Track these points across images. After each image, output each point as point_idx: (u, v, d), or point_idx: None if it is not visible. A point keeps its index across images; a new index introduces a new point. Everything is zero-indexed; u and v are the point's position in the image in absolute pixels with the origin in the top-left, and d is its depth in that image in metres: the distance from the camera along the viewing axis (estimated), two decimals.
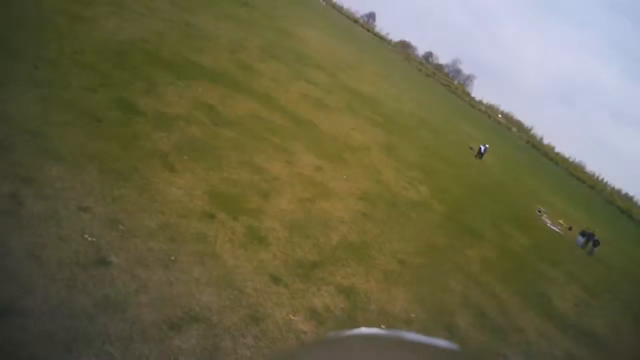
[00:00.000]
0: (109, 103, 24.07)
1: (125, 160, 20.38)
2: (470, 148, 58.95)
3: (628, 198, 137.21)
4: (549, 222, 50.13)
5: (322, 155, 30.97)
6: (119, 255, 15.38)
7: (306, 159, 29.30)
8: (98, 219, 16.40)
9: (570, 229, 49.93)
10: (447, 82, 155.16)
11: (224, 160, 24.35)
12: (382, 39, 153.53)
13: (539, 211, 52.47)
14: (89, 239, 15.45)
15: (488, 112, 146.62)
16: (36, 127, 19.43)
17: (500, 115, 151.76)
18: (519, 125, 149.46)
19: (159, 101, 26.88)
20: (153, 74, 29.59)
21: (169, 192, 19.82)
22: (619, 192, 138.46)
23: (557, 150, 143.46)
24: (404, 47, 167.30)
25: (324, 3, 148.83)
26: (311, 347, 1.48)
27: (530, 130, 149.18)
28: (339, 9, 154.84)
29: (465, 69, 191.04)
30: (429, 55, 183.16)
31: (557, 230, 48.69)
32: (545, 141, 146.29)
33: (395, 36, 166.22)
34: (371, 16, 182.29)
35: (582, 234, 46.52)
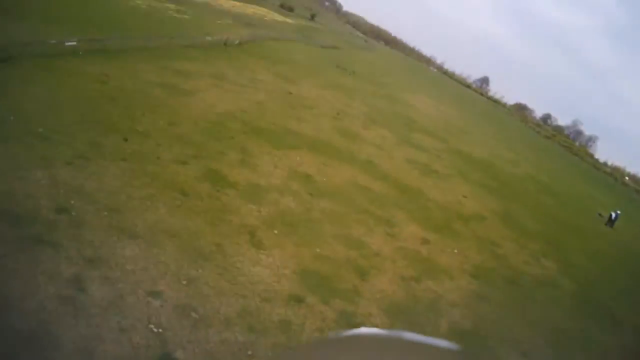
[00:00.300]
0: (198, 175, 22.90)
1: (208, 236, 18.73)
2: (599, 215, 53.39)
3: None
4: None
5: (429, 226, 28.03)
6: (186, 349, 13.33)
7: (411, 230, 26.50)
8: (169, 305, 14.55)
9: None
10: (568, 144, 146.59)
11: (318, 235, 22.15)
12: (496, 102, 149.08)
13: None
14: (155, 329, 13.56)
15: (614, 175, 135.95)
16: (115, 203, 18.33)
17: (627, 177, 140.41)
18: None
19: (253, 172, 25.45)
20: (249, 144, 28.47)
21: (254, 271, 17.80)
22: None
23: None
24: (520, 109, 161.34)
25: (435, 70, 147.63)
26: (311, 347, 1.48)
27: None
28: (451, 75, 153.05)
29: (587, 130, 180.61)
30: (547, 117, 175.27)
31: None
32: None
33: (510, 99, 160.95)
34: (484, 81, 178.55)
35: None
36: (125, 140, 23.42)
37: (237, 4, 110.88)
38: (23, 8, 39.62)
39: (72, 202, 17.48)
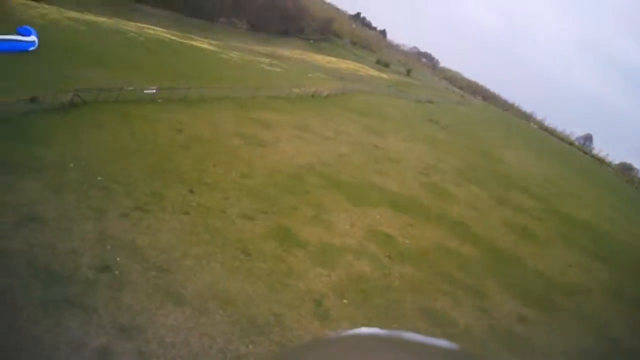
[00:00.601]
0: (265, 233, 20.76)
1: (266, 304, 16.36)
2: None
3: None
4: None
5: (527, 299, 24.28)
6: None
7: (506, 305, 22.93)
8: None
9: None
10: None
11: (395, 306, 19.24)
12: (600, 161, 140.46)
13: None
14: None
15: None
16: (166, 261, 16.42)
17: None
18: None
19: (327, 230, 23.04)
20: (326, 200, 26.19)
21: None
22: None
23: None
24: (625, 169, 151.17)
25: (535, 126, 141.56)
26: (312, 347, 1.34)
27: None
28: (552, 132, 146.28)
29: None
30: None
31: None
32: None
33: (615, 158, 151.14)
34: (588, 138, 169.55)
35: None
36: (191, 192, 21.81)
37: (333, 59, 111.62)
38: (110, 56, 40.27)
39: (118, 259, 15.73)
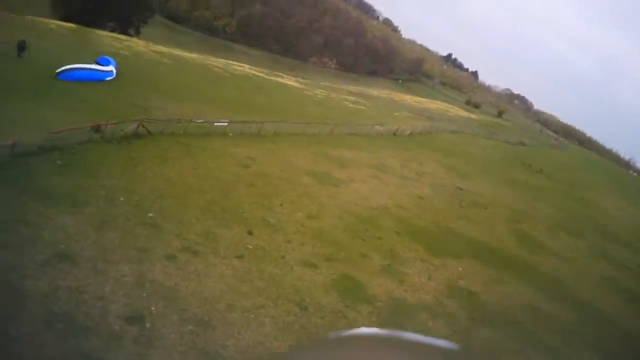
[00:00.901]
0: (327, 283, 18.36)
1: None
2: None
3: None
4: None
5: None
6: None
7: None
8: None
9: None
10: None
11: None
12: None
13: None
14: None
15: None
16: (208, 314, 14.34)
17: None
18: None
19: (399, 283, 20.33)
20: (400, 247, 23.52)
21: None
22: None
23: None
24: None
25: (635, 174, 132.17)
26: (311, 347, 1.40)
27: None
28: None
29: None
30: None
31: None
32: None
33: None
34: None
35: None
36: (250, 233, 19.83)
37: (422, 100, 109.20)
38: (188, 89, 39.81)
39: (153, 308, 13.81)
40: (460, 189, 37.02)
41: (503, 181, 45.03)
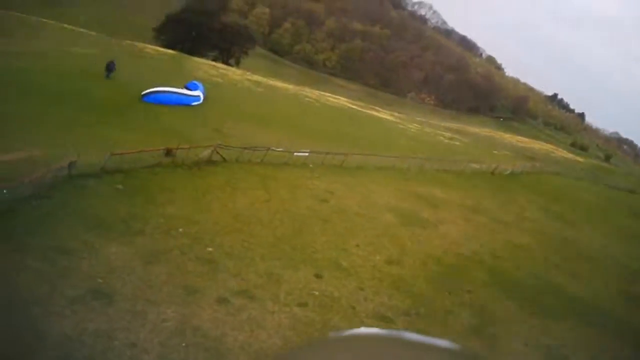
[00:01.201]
0: None
1: None
2: None
3: None
4: None
5: None
6: None
7: None
8: None
9: None
10: None
11: None
12: None
13: None
14: None
15: None
16: None
17: None
18: None
19: (489, 349, 17.26)
20: (493, 304, 20.38)
21: None
22: None
23: None
24: None
25: None
26: (311, 347, 1.34)
27: None
28: None
29: None
30: None
31: None
32: None
33: None
34: None
35: None
36: (318, 276, 17.58)
37: (524, 139, 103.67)
38: (275, 118, 38.60)
39: None
40: (565, 239, 33.02)
41: (613, 232, 40.19)
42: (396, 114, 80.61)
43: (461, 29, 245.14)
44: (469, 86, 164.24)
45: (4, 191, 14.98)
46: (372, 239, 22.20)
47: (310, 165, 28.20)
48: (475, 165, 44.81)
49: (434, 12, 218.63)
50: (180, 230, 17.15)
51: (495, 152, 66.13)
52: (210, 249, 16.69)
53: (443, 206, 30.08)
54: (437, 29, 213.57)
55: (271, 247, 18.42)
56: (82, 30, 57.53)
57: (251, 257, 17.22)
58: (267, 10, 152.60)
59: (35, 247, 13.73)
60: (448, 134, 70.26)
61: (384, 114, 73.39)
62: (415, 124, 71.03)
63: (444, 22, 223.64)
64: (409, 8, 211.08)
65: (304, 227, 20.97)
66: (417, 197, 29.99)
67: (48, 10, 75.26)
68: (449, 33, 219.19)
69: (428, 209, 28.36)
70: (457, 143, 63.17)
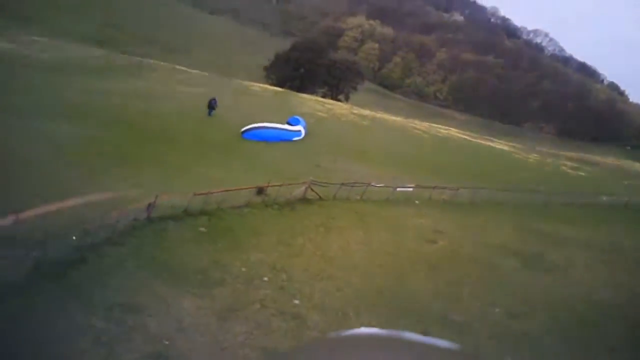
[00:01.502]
0: None
1: None
2: None
3: None
4: None
5: None
6: None
7: None
8: None
9: None
10: None
11: None
12: None
13: None
14: None
15: None
16: None
17: None
18: None
19: None
20: None
21: None
22: None
23: None
24: None
25: None
26: (311, 347, 1.37)
27: None
28: None
29: None
30: None
31: None
32: None
33: None
34: None
35: None
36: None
37: None
38: (380, 151, 36.49)
39: None
40: None
41: None
42: (514, 144, 75.91)
43: (580, 56, 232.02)
44: (590, 114, 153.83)
45: (73, 237, 13.76)
46: (490, 286, 19.12)
47: (416, 202, 25.61)
48: (605, 198, 40.02)
49: (550, 39, 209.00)
50: (265, 279, 15.19)
51: (627, 182, 59.91)
52: (296, 301, 14.57)
53: (572, 246, 26.13)
54: (554, 56, 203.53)
55: (368, 298, 16.01)
56: (193, 71, 58.88)
57: (343, 311, 14.90)
58: (376, 45, 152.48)
59: (102, 304, 12.19)
60: (571, 164, 64.79)
61: (500, 144, 69.20)
62: (534, 154, 66.25)
63: (562, 49, 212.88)
64: (524, 37, 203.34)
65: (407, 273, 18.36)
66: (540, 235, 26.33)
67: (163, 55, 78.55)
68: (567, 60, 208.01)
69: (555, 250, 24.63)
70: (583, 174, 57.79)
